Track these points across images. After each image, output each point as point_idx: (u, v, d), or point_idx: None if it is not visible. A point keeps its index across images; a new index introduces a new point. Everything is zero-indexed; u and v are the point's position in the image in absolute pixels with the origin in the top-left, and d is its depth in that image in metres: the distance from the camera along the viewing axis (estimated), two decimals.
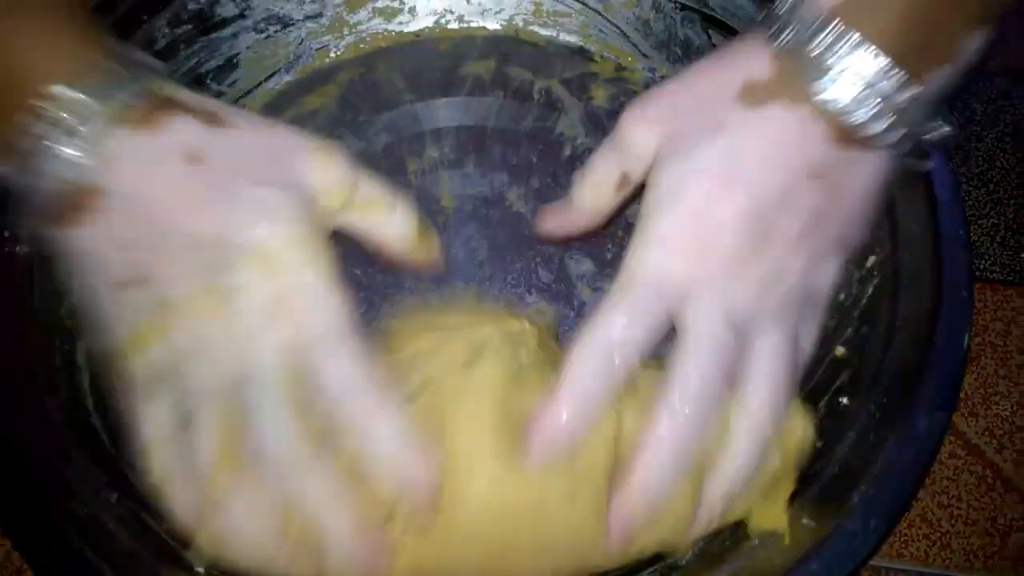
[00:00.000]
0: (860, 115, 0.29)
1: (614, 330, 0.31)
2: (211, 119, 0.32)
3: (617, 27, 0.56)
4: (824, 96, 0.29)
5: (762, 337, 0.32)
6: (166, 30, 0.50)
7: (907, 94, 0.29)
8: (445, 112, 0.55)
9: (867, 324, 0.42)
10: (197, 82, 0.53)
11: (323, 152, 0.34)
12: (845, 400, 0.40)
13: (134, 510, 0.39)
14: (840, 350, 0.43)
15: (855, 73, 0.29)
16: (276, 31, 0.55)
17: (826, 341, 0.44)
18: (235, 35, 0.53)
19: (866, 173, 0.31)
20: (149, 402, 0.32)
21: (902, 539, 0.46)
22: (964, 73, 0.31)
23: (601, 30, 0.57)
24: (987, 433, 0.49)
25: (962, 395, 0.50)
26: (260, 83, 0.55)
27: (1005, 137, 0.59)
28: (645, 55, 0.56)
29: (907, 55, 0.29)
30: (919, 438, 0.37)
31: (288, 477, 0.29)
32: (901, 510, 0.36)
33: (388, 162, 0.52)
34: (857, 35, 0.29)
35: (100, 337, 0.33)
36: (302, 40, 0.56)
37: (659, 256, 0.31)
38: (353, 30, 0.57)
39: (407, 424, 0.30)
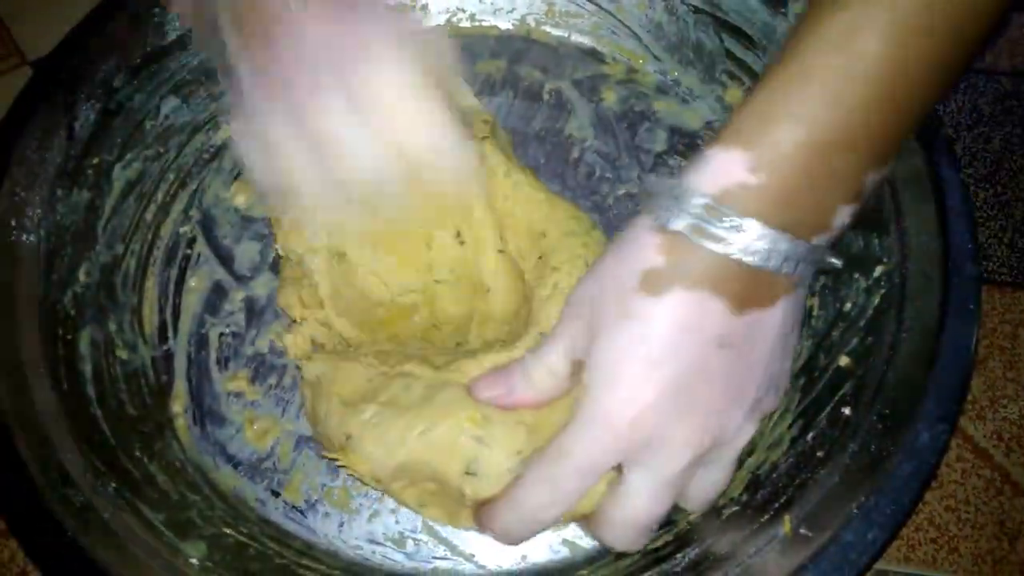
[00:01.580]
0: (768, 268, 0.33)
1: (542, 498, 0.35)
2: None
3: (629, 29, 0.56)
4: (731, 257, 0.32)
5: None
6: (177, 23, 0.50)
7: (797, 247, 0.33)
8: None
9: (872, 334, 0.41)
10: (207, 76, 0.53)
11: None
12: (848, 411, 0.40)
13: (130, 500, 0.39)
14: (844, 360, 0.42)
15: (753, 241, 0.32)
16: None
17: (831, 351, 0.44)
18: None
19: (768, 329, 0.34)
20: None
21: (909, 543, 0.46)
22: (838, 238, 0.35)
23: (613, 31, 0.57)
24: (995, 436, 0.49)
25: (970, 398, 0.49)
26: None
27: (1013, 138, 0.58)
28: (657, 58, 0.56)
29: (791, 228, 0.33)
30: (921, 450, 0.36)
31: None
32: (901, 522, 0.35)
33: None
34: (751, 217, 0.32)
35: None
36: None
37: (597, 434, 0.34)
38: None
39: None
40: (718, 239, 0.32)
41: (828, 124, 0.32)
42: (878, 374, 0.40)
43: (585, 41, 0.57)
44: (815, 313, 0.46)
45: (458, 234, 0.45)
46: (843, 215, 0.34)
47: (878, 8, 0.32)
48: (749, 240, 0.32)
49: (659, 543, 0.40)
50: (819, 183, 0.33)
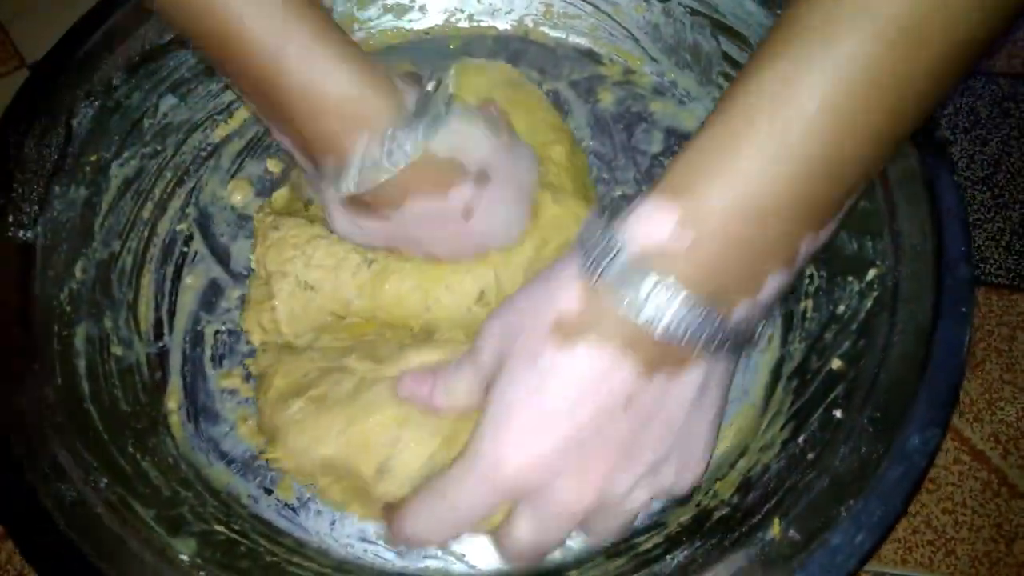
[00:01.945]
0: (683, 339, 0.31)
1: (426, 526, 0.36)
2: (481, 178, 0.42)
3: (627, 30, 0.56)
4: (641, 321, 0.31)
5: None
6: None
7: (716, 322, 0.31)
8: None
9: (865, 337, 0.41)
10: (206, 74, 0.53)
11: None
12: (839, 413, 0.40)
13: (122, 495, 0.39)
14: (837, 363, 0.42)
15: (667, 309, 0.31)
16: None
17: (824, 353, 0.44)
18: None
19: (678, 395, 0.33)
20: None
21: (906, 545, 0.45)
22: (767, 307, 0.33)
23: (611, 33, 0.57)
24: (992, 439, 0.48)
25: (967, 400, 0.49)
26: None
27: (1011, 140, 0.58)
28: (654, 59, 0.56)
29: (715, 295, 0.31)
30: (911, 453, 0.36)
31: None
32: (890, 525, 0.35)
33: None
34: (671, 279, 0.30)
35: None
36: None
37: (476, 483, 0.34)
38: (363, 26, 0.57)
39: None
40: (635, 298, 0.31)
41: (762, 187, 0.30)
42: (870, 376, 0.39)
43: (582, 42, 0.57)
44: (808, 315, 0.46)
45: (481, 296, 0.45)
46: (774, 282, 0.32)
47: (820, 56, 0.29)
48: (665, 305, 0.30)
49: (648, 545, 0.40)
50: (749, 248, 0.31)
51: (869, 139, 0.30)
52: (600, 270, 0.31)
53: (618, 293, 0.31)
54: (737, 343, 0.32)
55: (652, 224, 0.31)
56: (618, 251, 0.31)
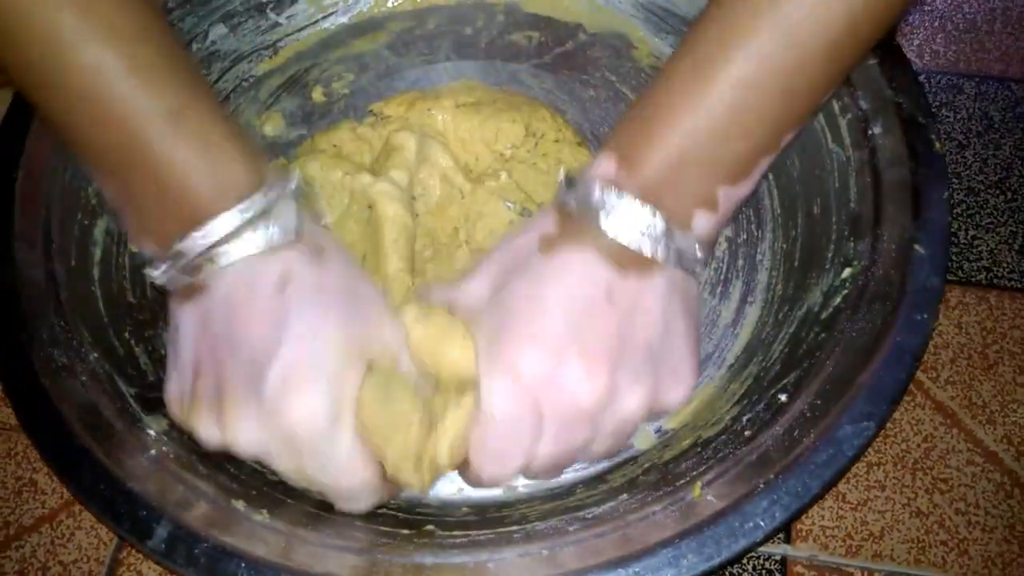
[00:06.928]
0: (641, 246, 0.37)
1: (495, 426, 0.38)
2: (317, 253, 0.38)
3: (626, 6, 0.58)
4: (608, 233, 0.37)
5: None
6: None
7: (674, 232, 0.37)
8: (472, 74, 0.58)
9: (825, 331, 0.42)
10: (257, 10, 0.57)
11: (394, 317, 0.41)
12: (784, 397, 0.41)
13: (108, 371, 0.43)
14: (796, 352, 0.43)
15: (628, 219, 0.37)
16: None
17: (785, 343, 0.45)
18: None
19: (653, 297, 0.37)
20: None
21: (920, 545, 0.46)
22: (705, 243, 0.38)
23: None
24: (1005, 440, 0.49)
25: (980, 402, 0.50)
26: (316, 21, 0.59)
27: (1023, 144, 0.59)
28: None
29: (666, 206, 0.37)
30: (840, 441, 0.37)
31: None
32: (806, 504, 0.36)
33: None
34: (626, 194, 0.37)
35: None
36: None
37: (508, 369, 0.37)
38: None
39: None
40: (600, 212, 0.37)
41: (679, 147, 0.36)
42: (820, 367, 0.41)
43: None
44: (779, 306, 0.47)
45: None
46: (702, 219, 0.38)
47: (735, 42, 0.35)
48: (625, 215, 0.36)
49: (585, 495, 0.42)
50: (675, 188, 0.37)
51: (780, 112, 0.37)
52: (569, 197, 0.38)
53: (587, 211, 0.37)
54: (684, 261, 0.38)
55: (602, 168, 0.38)
56: (582, 183, 0.38)
